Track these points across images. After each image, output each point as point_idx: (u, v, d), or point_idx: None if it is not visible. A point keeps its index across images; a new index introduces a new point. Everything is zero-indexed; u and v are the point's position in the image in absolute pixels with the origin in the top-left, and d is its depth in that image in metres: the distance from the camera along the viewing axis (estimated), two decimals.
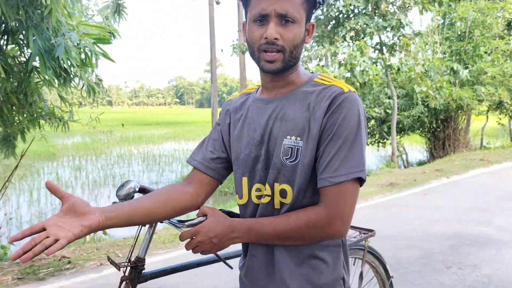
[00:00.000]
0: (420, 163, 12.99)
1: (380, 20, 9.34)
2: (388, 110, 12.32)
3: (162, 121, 45.52)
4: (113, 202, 1.46)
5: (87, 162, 16.31)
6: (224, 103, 1.35)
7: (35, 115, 4.65)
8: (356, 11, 9.44)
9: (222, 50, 12.55)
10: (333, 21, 9.61)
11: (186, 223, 1.25)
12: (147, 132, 30.57)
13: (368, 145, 14.05)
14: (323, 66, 9.73)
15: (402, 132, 13.09)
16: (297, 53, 1.10)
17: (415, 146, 15.84)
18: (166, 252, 4.33)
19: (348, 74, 9.27)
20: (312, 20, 1.16)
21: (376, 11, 9.48)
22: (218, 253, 1.22)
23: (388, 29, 9.44)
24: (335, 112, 1.06)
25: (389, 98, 12.22)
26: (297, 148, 1.10)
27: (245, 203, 1.21)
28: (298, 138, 1.10)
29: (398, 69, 10.08)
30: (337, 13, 9.28)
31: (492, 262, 3.66)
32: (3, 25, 3.43)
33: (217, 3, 14.75)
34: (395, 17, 9.23)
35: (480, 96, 11.75)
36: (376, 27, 9.17)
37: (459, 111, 12.42)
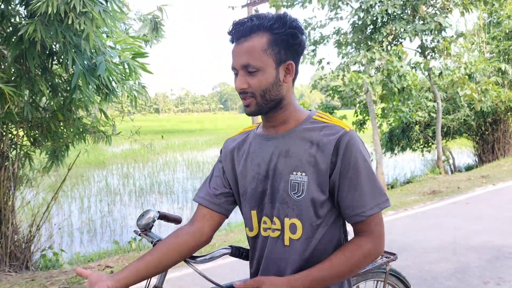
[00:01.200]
0: (469, 168, 12.50)
1: (420, 23, 9.12)
2: (432, 114, 11.97)
3: (207, 127, 46.34)
4: (134, 231, 1.58)
5: (135, 169, 16.90)
6: (225, 141, 1.44)
7: (80, 130, 4.95)
8: (393, 16, 9.27)
9: None
10: (370, 27, 9.47)
11: (206, 257, 1.35)
12: (191, 139, 31.23)
13: (412, 150, 13.68)
14: (359, 71, 9.62)
15: (448, 136, 12.66)
16: (270, 95, 1.19)
17: (464, 150, 15.23)
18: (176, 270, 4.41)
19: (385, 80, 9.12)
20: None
21: (415, 15, 9.26)
22: None
23: (427, 32, 9.19)
24: (346, 152, 1.16)
25: (432, 101, 11.87)
26: (303, 183, 1.19)
27: (255, 235, 1.31)
28: (304, 174, 1.19)
29: (441, 73, 9.79)
30: (374, 19, 9.15)
31: None
32: (48, 48, 3.70)
33: (256, 11, 14.95)
34: (435, 20, 8.97)
35: None
36: (414, 31, 8.95)
37: (509, 113, 11.86)
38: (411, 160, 14.92)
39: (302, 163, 1.19)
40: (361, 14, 9.25)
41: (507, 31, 12.17)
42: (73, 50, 3.63)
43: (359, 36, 9.45)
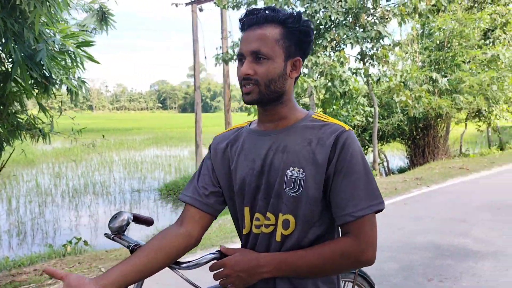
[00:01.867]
0: (401, 170, 13.18)
1: (360, 31, 9.49)
2: (369, 118, 12.51)
3: (144, 126, 45.13)
4: (105, 234, 1.46)
5: (67, 169, 16.06)
6: (214, 138, 1.39)
7: (15, 126, 4.56)
8: (336, 22, 9.56)
9: (205, 58, 12.51)
10: (314, 32, 9.71)
11: (191, 263, 1.27)
12: (128, 138, 30.25)
13: None
14: (304, 75, 9.82)
15: (383, 140, 13.29)
16: (275, 86, 1.17)
17: (396, 154, 16.07)
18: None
19: (329, 84, 9.39)
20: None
21: (356, 23, 9.62)
22: None
23: (368, 40, 9.59)
24: (343, 149, 1.14)
25: (369, 106, 12.42)
26: (300, 179, 1.16)
27: (247, 233, 1.26)
28: (301, 170, 1.16)
29: (379, 79, 10.24)
30: (318, 24, 9.38)
31: (470, 274, 3.74)
32: None
33: (200, 10, 14.75)
34: (375, 28, 9.38)
35: (459, 105, 12.01)
36: (356, 38, 9.31)
37: (439, 119, 12.68)
38: None
39: (300, 159, 1.17)
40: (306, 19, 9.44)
41: (438, 42, 13.00)
42: (13, 39, 3.34)
43: None
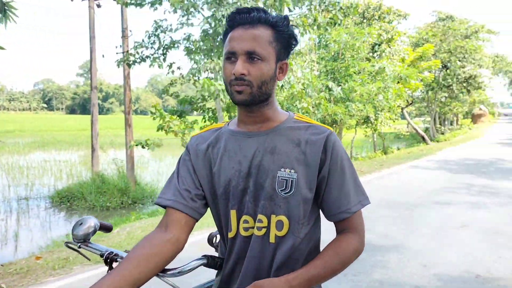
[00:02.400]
0: None
1: None
2: None
3: (27, 128, 41.18)
4: (66, 244, 1.31)
5: None
6: (192, 138, 1.34)
7: None
8: None
9: (103, 56, 11.84)
10: (221, 36, 9.77)
11: (177, 270, 1.18)
12: (10, 140, 27.39)
13: None
14: (211, 79, 9.82)
15: None
16: (266, 88, 1.17)
17: None
18: (57, 279, 3.94)
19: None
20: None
21: None
22: None
23: None
24: (334, 150, 1.19)
25: None
26: (292, 180, 1.17)
27: (234, 236, 1.23)
28: (293, 171, 1.17)
29: (282, 86, 10.65)
30: (224, 29, 9.46)
31: (380, 267, 4.07)
32: None
33: (98, 6, 13.95)
34: None
35: (351, 112, 12.99)
36: None
37: (334, 125, 13.59)
38: None
39: (291, 160, 1.18)
40: (213, 23, 9.46)
41: (333, 53, 13.94)
42: None
43: (211, 44, 9.64)
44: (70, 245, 1.32)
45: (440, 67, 23.90)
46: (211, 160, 1.26)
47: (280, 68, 1.20)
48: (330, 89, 12.97)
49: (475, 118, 44.08)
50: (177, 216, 1.19)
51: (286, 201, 1.17)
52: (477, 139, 22.93)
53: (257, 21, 1.15)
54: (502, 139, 22.21)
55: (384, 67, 13.69)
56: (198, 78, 9.99)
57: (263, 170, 1.18)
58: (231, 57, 1.15)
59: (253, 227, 1.20)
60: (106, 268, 1.21)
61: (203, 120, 11.64)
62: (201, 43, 9.88)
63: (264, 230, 1.19)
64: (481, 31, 29.00)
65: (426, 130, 29.40)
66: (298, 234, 1.19)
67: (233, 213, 1.22)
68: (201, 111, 11.52)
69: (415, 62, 18.60)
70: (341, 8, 10.64)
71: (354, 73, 13.79)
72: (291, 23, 9.55)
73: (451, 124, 39.43)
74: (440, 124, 33.42)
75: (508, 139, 22.19)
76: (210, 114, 11.51)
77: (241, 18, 1.16)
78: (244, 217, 1.21)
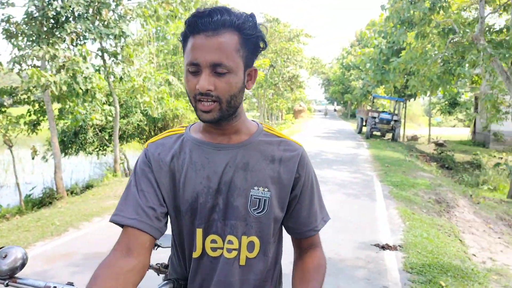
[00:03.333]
0: None
1: (103, 27, 9.10)
2: (109, 117, 12.15)
3: None
4: None
5: None
6: (150, 145, 1.15)
7: None
8: (76, 14, 8.87)
9: None
10: (51, 21, 8.71)
11: None
12: None
13: (87, 153, 13.43)
14: (38, 67, 8.72)
15: (123, 140, 13.18)
16: (235, 102, 1.06)
17: (135, 153, 16.19)
18: None
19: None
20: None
21: (98, 17, 9.19)
22: None
23: (111, 37, 9.31)
24: (306, 168, 1.16)
25: (108, 105, 12.05)
26: (265, 199, 1.10)
27: (198, 256, 1.12)
28: (266, 189, 1.11)
29: (121, 78, 10.09)
30: (54, 13, 8.48)
31: None
32: None
33: None
34: (117, 26, 9.19)
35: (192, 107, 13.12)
36: (99, 34, 8.89)
37: (175, 120, 13.51)
38: (80, 163, 14.63)
39: (265, 178, 1.11)
40: (40, 5, 8.37)
41: (172, 47, 13.80)
42: None
43: (38, 28, 8.52)
44: None
45: (269, 66, 25.79)
46: (175, 173, 1.11)
47: (248, 75, 1.09)
48: (170, 83, 12.83)
49: (296, 113, 48.99)
50: (142, 239, 1.02)
51: (258, 221, 1.11)
52: (300, 132, 25.54)
53: (221, 26, 1.00)
54: (320, 133, 25.19)
55: None
56: (21, 66, 8.70)
57: (234, 187, 1.09)
58: (194, 68, 1.01)
59: (221, 248, 1.11)
60: None
61: (28, 114, 10.26)
62: (25, 27, 8.64)
63: (235, 253, 1.11)
64: (301, 34, 32.35)
65: None
66: (268, 254, 1.14)
67: (199, 232, 1.11)
68: (25, 104, 10.12)
69: None
70: (182, 1, 10.55)
71: None
72: (129, 12, 9.02)
73: (277, 119, 43.12)
74: (268, 118, 36.24)
75: (325, 133, 25.28)
76: (37, 107, 10.21)
77: (203, 24, 0.99)
78: (212, 237, 1.11)
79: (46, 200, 9.80)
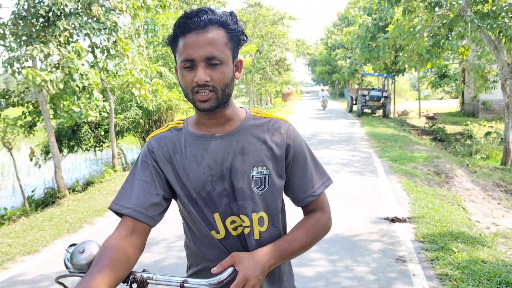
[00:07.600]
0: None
1: (94, 22, 9.03)
2: (104, 114, 12.10)
3: None
4: (58, 279, 1.07)
5: None
6: (152, 138, 1.28)
7: None
8: (67, 10, 8.79)
9: None
10: (42, 20, 8.63)
11: (214, 282, 1.06)
12: None
13: (84, 150, 13.40)
14: (30, 67, 8.65)
15: (119, 135, 13.16)
16: (229, 90, 1.19)
17: (131, 147, 16.17)
18: None
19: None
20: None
21: (88, 12, 9.11)
22: None
23: (103, 31, 9.25)
24: (295, 138, 1.28)
25: (102, 101, 12.00)
26: (265, 177, 1.23)
27: (224, 237, 1.24)
28: (264, 168, 1.23)
29: (116, 73, 10.05)
30: (47, 10, 8.39)
31: None
32: None
33: None
34: (109, 20, 9.12)
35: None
36: (92, 29, 8.83)
37: (169, 111, 13.50)
38: (76, 161, 14.59)
39: (261, 157, 1.23)
40: (32, 3, 8.27)
41: (162, 38, 13.70)
42: None
43: (30, 28, 8.43)
44: (58, 281, 1.07)
45: (255, 51, 25.70)
46: (179, 165, 1.23)
47: (236, 66, 1.22)
48: (161, 75, 12.79)
49: (285, 96, 48.97)
50: (141, 225, 1.17)
51: (263, 197, 1.23)
52: (291, 115, 25.59)
53: (209, 23, 1.13)
54: (311, 115, 25.20)
55: None
56: (13, 67, 8.61)
57: (236, 171, 1.21)
58: (190, 65, 1.13)
59: (241, 225, 1.23)
60: None
61: (23, 115, 10.18)
62: (14, 28, 8.53)
63: (248, 230, 1.23)
64: (285, 17, 32.20)
65: None
66: (277, 225, 1.27)
67: (216, 216, 1.23)
68: (19, 106, 10.02)
69: None
70: None
71: None
72: (118, 4, 8.97)
73: (266, 104, 43.12)
74: (257, 103, 36.23)
75: (315, 114, 25.31)
76: (31, 108, 10.13)
77: (192, 23, 1.12)
78: (230, 218, 1.23)
79: (49, 199, 9.82)
